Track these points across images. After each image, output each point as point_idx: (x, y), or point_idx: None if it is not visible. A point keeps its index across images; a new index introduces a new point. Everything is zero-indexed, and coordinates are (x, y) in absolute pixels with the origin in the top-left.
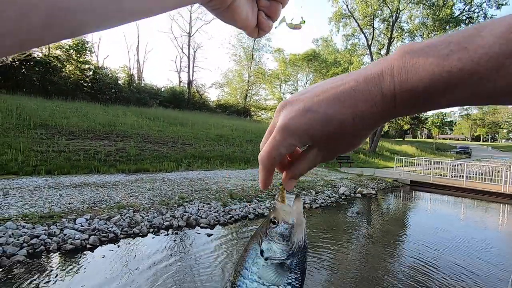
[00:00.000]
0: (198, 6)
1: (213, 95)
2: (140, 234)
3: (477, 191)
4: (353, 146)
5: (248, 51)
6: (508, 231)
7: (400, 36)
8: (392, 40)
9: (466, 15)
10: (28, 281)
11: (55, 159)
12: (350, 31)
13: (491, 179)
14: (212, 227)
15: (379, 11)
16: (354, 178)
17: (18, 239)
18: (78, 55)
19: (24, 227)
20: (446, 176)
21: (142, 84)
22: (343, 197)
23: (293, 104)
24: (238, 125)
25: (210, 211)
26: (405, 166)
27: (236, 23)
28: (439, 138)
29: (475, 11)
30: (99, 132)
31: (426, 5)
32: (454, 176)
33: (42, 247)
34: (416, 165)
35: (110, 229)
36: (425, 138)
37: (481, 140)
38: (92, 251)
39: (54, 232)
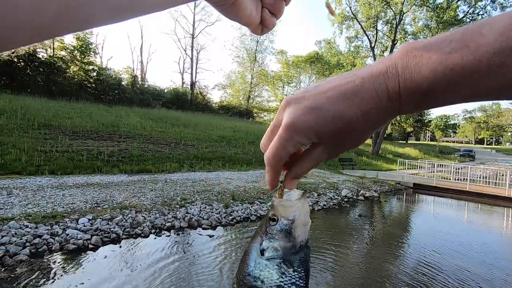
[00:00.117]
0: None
1: (215, 97)
2: (142, 234)
3: (481, 195)
4: (358, 144)
5: (251, 52)
6: None
7: (404, 38)
8: (395, 42)
9: (470, 18)
10: (31, 280)
11: (59, 159)
12: (353, 33)
13: (495, 182)
14: (213, 228)
15: (383, 13)
16: (357, 180)
17: (21, 239)
18: (83, 56)
19: (27, 226)
20: (450, 179)
21: (146, 85)
22: (345, 200)
23: (299, 101)
24: (241, 127)
25: (212, 212)
26: (408, 168)
27: (240, 20)
28: (443, 141)
29: (479, 13)
30: (102, 133)
31: (430, 7)
32: (458, 179)
33: (44, 246)
34: (419, 168)
35: (112, 229)
36: (428, 140)
37: (485, 143)
38: (94, 251)
39: (57, 232)
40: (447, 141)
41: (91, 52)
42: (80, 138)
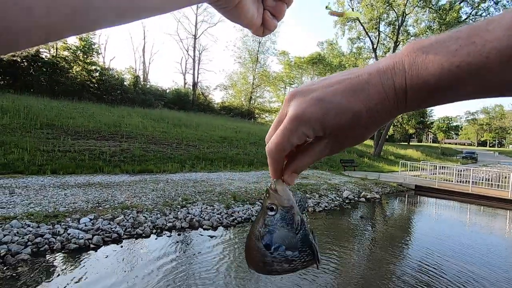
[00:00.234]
0: (204, 8)
1: (217, 97)
2: (143, 234)
3: (483, 197)
4: (361, 139)
5: (253, 53)
6: None
7: (406, 40)
8: (398, 43)
9: (473, 19)
10: (32, 279)
11: (61, 159)
12: (355, 34)
13: (498, 185)
14: (214, 229)
15: (385, 15)
16: (358, 182)
17: (23, 238)
18: (85, 56)
19: (29, 225)
20: (452, 181)
21: (148, 86)
22: (347, 201)
23: (305, 94)
24: (242, 127)
25: (213, 213)
26: (410, 170)
27: (242, 22)
28: (445, 143)
29: (481, 15)
30: (104, 133)
31: (432, 9)
32: (460, 182)
33: (46, 246)
34: (421, 169)
35: (113, 229)
36: (430, 142)
37: (488, 145)
38: (96, 251)
39: (58, 231)
40: (449, 143)
41: (94, 53)
42: (82, 138)
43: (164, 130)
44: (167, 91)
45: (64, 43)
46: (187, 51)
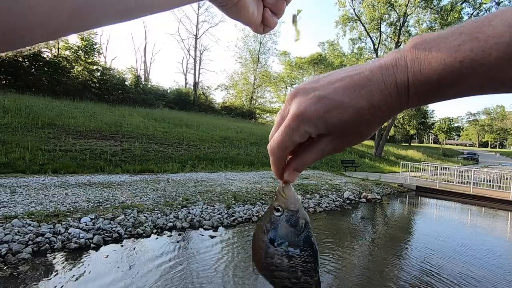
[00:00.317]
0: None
1: (218, 97)
2: (144, 234)
3: (484, 198)
4: (365, 136)
5: (254, 53)
6: None
7: (408, 40)
8: (399, 44)
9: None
10: (33, 278)
11: (62, 158)
12: (356, 34)
13: (499, 186)
14: (215, 229)
15: (386, 15)
16: (359, 182)
17: (23, 237)
18: (87, 56)
19: (30, 225)
20: (453, 182)
21: (149, 85)
22: (347, 202)
23: (306, 92)
24: (243, 128)
25: (214, 213)
26: (411, 171)
27: (242, 20)
28: (446, 144)
29: (483, 15)
30: (105, 132)
31: (434, 9)
32: (461, 183)
33: (47, 245)
34: (422, 170)
35: (114, 229)
36: (431, 143)
37: (489, 146)
38: (96, 251)
39: (59, 230)
40: (450, 144)
41: (95, 52)
42: (83, 137)
43: (165, 130)
44: (168, 91)
45: (66, 42)
46: (188, 51)
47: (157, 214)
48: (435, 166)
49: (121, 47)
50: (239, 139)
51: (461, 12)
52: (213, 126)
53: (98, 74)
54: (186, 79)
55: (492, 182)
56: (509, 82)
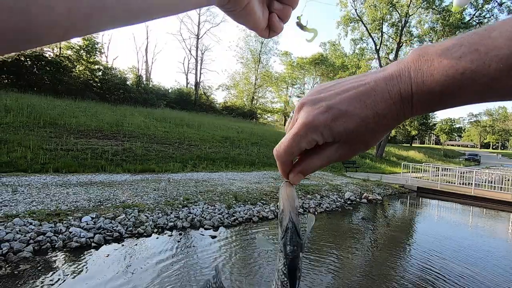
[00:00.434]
0: (207, 9)
1: (219, 97)
2: (145, 234)
3: (486, 199)
4: (371, 144)
5: (256, 54)
6: None
7: (409, 41)
8: (401, 45)
9: (477, 20)
10: (34, 277)
11: (63, 158)
12: (358, 35)
13: (501, 187)
14: (216, 228)
15: (388, 16)
16: (360, 183)
17: (25, 236)
18: (88, 55)
19: (31, 224)
20: (454, 183)
21: (150, 85)
22: (348, 202)
23: (314, 102)
24: (244, 128)
25: (215, 212)
26: (412, 172)
27: (248, 24)
28: (448, 145)
29: (485, 16)
30: (106, 132)
31: (436, 10)
32: (463, 184)
33: (48, 244)
34: (424, 171)
35: (115, 228)
36: (433, 144)
37: (491, 147)
38: (97, 250)
39: (60, 229)
40: (452, 145)
41: (97, 52)
42: (84, 137)
43: (166, 130)
44: (170, 90)
45: (68, 42)
46: (190, 51)
47: (158, 214)
48: (436, 167)
49: (122, 47)
50: (240, 139)
51: (463, 13)
52: (214, 126)
53: (100, 73)
54: (187, 79)
55: (494, 184)
56: (509, 92)
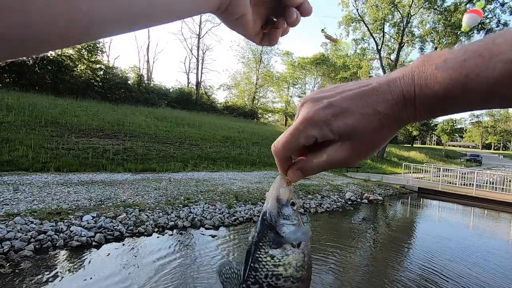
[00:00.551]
0: None
1: (221, 97)
2: (145, 233)
3: (487, 200)
4: (376, 145)
5: (257, 53)
6: None
7: (411, 41)
8: (402, 45)
9: (479, 21)
10: (35, 276)
11: (64, 157)
12: (359, 35)
13: (502, 188)
14: (216, 228)
15: (390, 16)
16: (361, 183)
17: (26, 234)
18: (90, 54)
19: (32, 222)
20: (456, 184)
21: (151, 85)
22: (349, 203)
23: (315, 100)
24: (245, 127)
25: (215, 212)
26: (413, 172)
27: (242, 33)
28: (449, 145)
29: (488, 16)
30: (108, 131)
31: (437, 10)
32: (464, 184)
33: (49, 243)
34: (425, 172)
35: (115, 227)
36: (434, 144)
37: (492, 148)
38: (98, 249)
39: (61, 228)
40: (453, 146)
41: (99, 51)
42: (86, 136)
43: (167, 129)
44: (171, 90)
45: None
46: (191, 51)
47: (159, 213)
48: (437, 168)
49: (124, 46)
50: (241, 139)
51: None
52: (215, 125)
53: (101, 73)
54: (188, 78)
55: (495, 184)
56: None
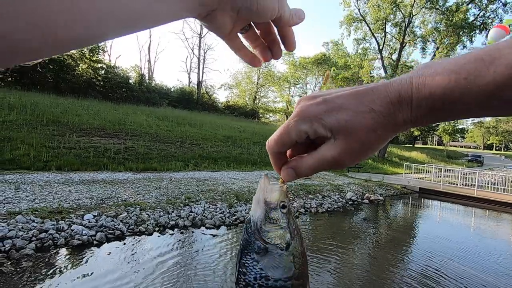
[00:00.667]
0: None
1: (222, 97)
2: (146, 232)
3: (488, 201)
4: (373, 146)
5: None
6: None
7: (413, 41)
8: (404, 45)
9: (481, 21)
10: (36, 274)
11: (66, 156)
12: (361, 35)
13: (504, 189)
14: (217, 227)
15: (392, 16)
16: (362, 183)
17: (27, 233)
18: (91, 54)
19: (33, 221)
20: (457, 184)
21: (153, 84)
22: (350, 203)
23: (312, 97)
24: (246, 127)
25: (216, 212)
26: (414, 173)
27: (230, 48)
28: (450, 146)
29: (489, 16)
30: (109, 130)
31: (439, 10)
32: (465, 185)
33: (50, 241)
34: (426, 172)
35: (116, 226)
36: (435, 145)
37: (494, 148)
38: (99, 248)
39: (62, 227)
40: (455, 146)
41: (100, 50)
42: (87, 135)
43: (168, 129)
44: (172, 89)
45: None
46: (192, 50)
47: (160, 212)
48: (439, 168)
49: (125, 46)
50: (242, 139)
51: (467, 13)
52: (216, 125)
53: (103, 72)
54: (189, 78)
55: (497, 185)
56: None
